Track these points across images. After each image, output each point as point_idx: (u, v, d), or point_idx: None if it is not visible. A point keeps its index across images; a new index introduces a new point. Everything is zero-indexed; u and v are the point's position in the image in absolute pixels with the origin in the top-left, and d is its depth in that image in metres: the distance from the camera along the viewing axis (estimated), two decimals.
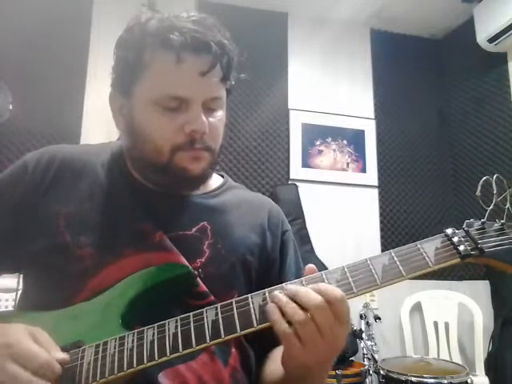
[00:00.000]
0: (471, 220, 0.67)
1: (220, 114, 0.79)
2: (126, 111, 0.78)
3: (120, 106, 0.79)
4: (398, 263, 0.63)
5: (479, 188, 0.67)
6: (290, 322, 0.57)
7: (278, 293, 0.60)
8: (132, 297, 0.69)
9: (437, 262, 0.62)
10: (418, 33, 3.40)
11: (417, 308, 2.85)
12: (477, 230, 0.65)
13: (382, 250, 3.02)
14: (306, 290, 0.59)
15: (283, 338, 0.58)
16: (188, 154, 0.75)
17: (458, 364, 2.22)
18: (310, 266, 0.65)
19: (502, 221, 0.65)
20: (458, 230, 0.65)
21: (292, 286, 0.60)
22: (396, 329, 2.83)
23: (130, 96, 0.76)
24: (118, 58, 0.77)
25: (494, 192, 0.66)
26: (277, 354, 0.79)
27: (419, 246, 0.64)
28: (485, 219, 0.66)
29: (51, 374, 0.58)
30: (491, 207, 0.66)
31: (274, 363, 0.77)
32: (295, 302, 0.58)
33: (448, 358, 2.58)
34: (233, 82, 0.81)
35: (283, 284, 0.63)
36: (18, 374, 0.55)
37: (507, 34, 2.68)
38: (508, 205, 0.65)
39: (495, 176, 0.66)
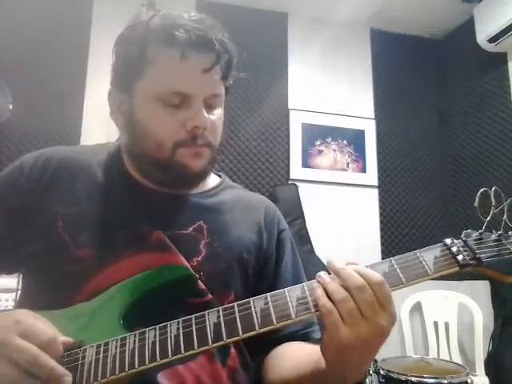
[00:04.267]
0: (469, 230, 0.69)
1: (219, 111, 0.80)
2: (125, 108, 0.78)
3: (119, 103, 0.79)
4: (398, 271, 0.64)
5: (477, 199, 0.69)
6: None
7: (323, 273, 0.62)
8: (133, 299, 0.70)
9: (436, 271, 0.64)
10: (418, 33, 3.40)
11: (417, 308, 2.85)
12: (475, 240, 0.67)
13: (382, 251, 3.02)
14: (349, 271, 0.60)
15: (325, 316, 0.59)
16: (189, 150, 0.75)
17: (458, 364, 2.21)
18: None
19: (499, 232, 0.67)
20: (456, 239, 0.67)
21: (336, 264, 0.62)
22: (396, 329, 2.83)
23: (131, 93, 0.77)
24: (119, 55, 0.78)
25: (492, 204, 0.68)
26: (291, 350, 0.80)
27: (419, 254, 0.66)
28: (482, 230, 0.68)
29: (55, 351, 0.59)
30: (489, 218, 0.68)
31: (297, 358, 0.76)
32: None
33: (448, 358, 2.58)
34: (231, 81, 0.82)
35: (285, 289, 0.64)
36: (25, 347, 0.56)
37: (507, 34, 2.67)
38: (505, 216, 0.67)
39: (493, 188, 0.68)
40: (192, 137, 0.75)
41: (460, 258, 0.64)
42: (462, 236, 0.68)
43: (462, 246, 0.66)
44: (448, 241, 0.67)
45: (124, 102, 0.79)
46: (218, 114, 0.79)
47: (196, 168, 0.77)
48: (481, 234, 0.68)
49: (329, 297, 0.60)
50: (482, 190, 0.69)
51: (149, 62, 0.74)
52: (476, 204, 0.69)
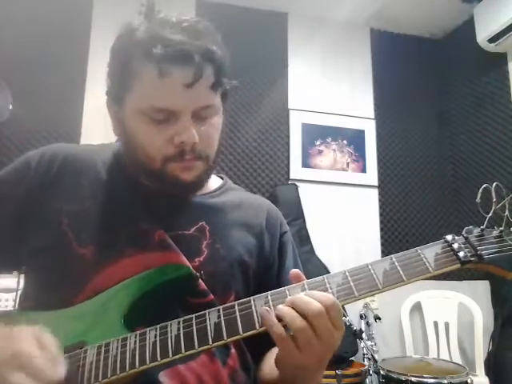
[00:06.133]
0: (470, 227, 0.68)
1: (214, 119, 0.78)
2: (120, 117, 0.78)
3: (115, 112, 0.79)
4: (398, 268, 0.64)
5: (479, 195, 0.68)
6: (286, 327, 0.59)
7: (280, 305, 0.61)
8: (134, 298, 0.70)
9: (437, 268, 0.64)
10: (418, 33, 3.40)
11: (417, 308, 2.85)
12: (476, 236, 0.66)
13: (382, 251, 3.02)
14: (304, 298, 0.60)
15: (279, 342, 0.60)
16: (179, 164, 0.74)
17: (458, 364, 2.22)
18: (295, 271, 0.67)
19: (500, 228, 0.66)
20: (457, 236, 0.67)
21: (291, 297, 0.62)
22: (396, 329, 2.83)
23: (123, 104, 0.76)
24: (110, 65, 0.77)
25: (494, 200, 0.67)
26: (272, 354, 0.80)
27: (420, 251, 0.66)
28: (484, 226, 0.67)
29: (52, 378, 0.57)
30: (490, 214, 0.67)
31: (269, 363, 0.78)
32: (294, 309, 0.60)
33: (448, 358, 2.58)
34: (227, 87, 0.80)
35: (285, 288, 0.64)
36: (23, 383, 0.55)
37: (508, 35, 2.68)
38: (507, 212, 0.67)
39: (495, 184, 0.68)
40: (180, 152, 0.73)
41: (461, 254, 0.64)
42: (464, 232, 0.67)
43: (463, 243, 0.66)
44: (449, 237, 0.66)
45: (119, 112, 0.78)
46: (212, 122, 0.77)
47: (188, 180, 0.76)
48: (482, 230, 0.67)
49: (284, 325, 0.59)
50: (484, 185, 0.68)
51: (134, 75, 0.72)
52: (478, 200, 0.68)
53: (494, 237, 0.66)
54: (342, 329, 0.61)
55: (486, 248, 0.65)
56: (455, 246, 0.65)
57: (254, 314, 0.62)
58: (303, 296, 0.60)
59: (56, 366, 0.58)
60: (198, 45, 0.71)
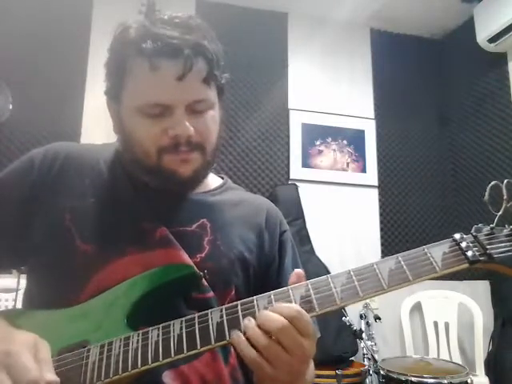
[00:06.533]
0: (480, 225, 0.65)
1: (211, 113, 0.78)
2: (119, 116, 0.79)
3: (114, 111, 0.80)
4: (404, 267, 0.62)
5: (487, 192, 0.66)
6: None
7: (246, 320, 0.60)
8: (137, 297, 0.70)
9: (444, 267, 0.61)
10: (418, 33, 3.41)
11: (417, 308, 2.85)
12: (486, 235, 0.63)
13: (382, 250, 3.03)
14: (266, 313, 0.59)
15: (250, 364, 0.59)
16: (175, 157, 0.75)
17: (458, 364, 2.22)
18: (298, 271, 0.66)
19: (511, 226, 0.64)
20: (466, 234, 0.64)
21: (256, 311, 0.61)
22: (396, 329, 2.84)
23: (119, 102, 0.77)
24: (107, 65, 0.79)
25: (505, 197, 0.65)
26: None
27: (426, 250, 0.63)
28: (494, 224, 0.64)
29: None
30: (501, 212, 0.64)
31: None
32: (258, 326, 0.59)
33: (448, 358, 2.58)
34: (222, 81, 0.80)
35: (288, 287, 0.64)
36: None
37: (508, 35, 2.68)
38: None
39: (506, 181, 0.65)
40: (175, 144, 0.74)
41: (469, 254, 0.61)
42: (473, 231, 0.64)
43: (472, 242, 0.63)
44: (457, 236, 0.64)
45: (117, 111, 0.79)
46: (208, 116, 0.77)
47: (186, 173, 0.76)
48: (492, 228, 0.64)
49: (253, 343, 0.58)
50: (493, 182, 0.65)
51: (127, 73, 0.74)
52: (486, 198, 0.65)
53: (504, 235, 0.63)
54: (312, 336, 0.60)
55: (496, 247, 0.61)
56: (463, 244, 0.62)
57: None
58: (266, 312, 0.59)
59: (44, 373, 0.56)
60: (188, 39, 0.72)
